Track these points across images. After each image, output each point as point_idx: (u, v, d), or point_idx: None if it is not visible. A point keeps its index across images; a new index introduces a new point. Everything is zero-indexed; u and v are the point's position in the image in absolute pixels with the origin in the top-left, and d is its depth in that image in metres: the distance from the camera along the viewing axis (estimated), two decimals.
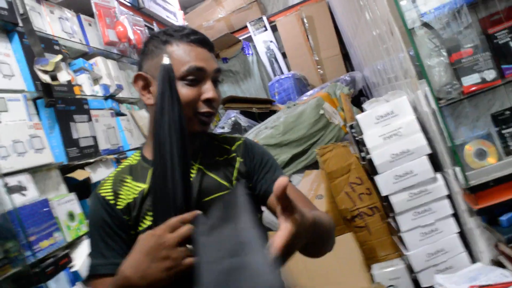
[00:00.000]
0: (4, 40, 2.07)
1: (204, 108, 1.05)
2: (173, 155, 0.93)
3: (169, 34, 1.07)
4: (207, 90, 1.05)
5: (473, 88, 1.69)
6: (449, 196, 1.98)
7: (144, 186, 1.08)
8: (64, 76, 2.03)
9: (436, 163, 2.00)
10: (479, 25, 1.78)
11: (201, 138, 1.17)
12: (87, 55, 2.73)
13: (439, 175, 1.97)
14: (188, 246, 0.85)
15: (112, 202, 1.07)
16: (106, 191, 1.09)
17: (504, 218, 1.60)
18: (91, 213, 1.10)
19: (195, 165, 1.12)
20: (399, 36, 1.93)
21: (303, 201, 1.10)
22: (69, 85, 2.28)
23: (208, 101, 1.05)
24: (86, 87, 2.51)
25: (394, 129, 2.00)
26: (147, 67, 1.10)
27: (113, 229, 1.06)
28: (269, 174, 1.16)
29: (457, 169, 1.74)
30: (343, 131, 3.12)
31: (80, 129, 2.22)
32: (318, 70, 4.62)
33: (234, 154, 1.18)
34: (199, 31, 1.11)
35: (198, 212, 0.89)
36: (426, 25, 1.80)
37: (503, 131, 1.78)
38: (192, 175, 1.08)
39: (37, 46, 2.05)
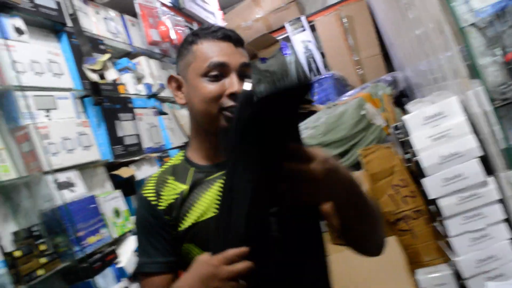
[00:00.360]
0: (54, 39, 2.12)
1: (229, 103, 1.02)
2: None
3: (195, 34, 1.08)
4: (231, 84, 1.03)
5: None
6: (501, 201, 1.91)
7: (184, 187, 1.08)
8: (111, 74, 2.07)
9: (487, 166, 1.92)
10: None
11: None
12: (130, 55, 2.77)
13: (490, 179, 1.90)
14: (240, 281, 0.85)
15: (154, 202, 1.08)
16: (149, 192, 1.10)
17: None
18: (137, 213, 1.13)
19: None
20: (449, 34, 1.87)
21: None
22: (114, 84, 2.31)
23: (233, 96, 1.03)
24: (130, 86, 2.54)
25: (443, 130, 1.94)
26: (179, 69, 1.12)
27: (156, 229, 1.07)
28: None
29: (511, 172, 1.67)
30: (385, 133, 3.05)
31: (125, 127, 2.26)
32: (358, 70, 4.55)
33: None
34: (227, 28, 1.10)
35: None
36: (479, 22, 1.73)
37: None
38: None
39: (85, 46, 2.09)
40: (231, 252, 0.85)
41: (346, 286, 2.34)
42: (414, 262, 2.47)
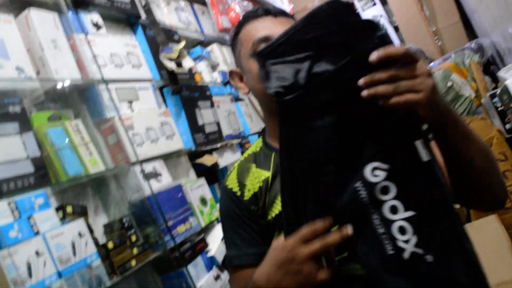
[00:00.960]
0: (129, 32, 2.13)
1: None
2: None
3: (240, 23, 1.06)
4: None
5: None
6: None
7: (268, 174, 1.01)
8: (188, 62, 2.04)
9: None
10: None
11: None
12: (203, 43, 2.75)
13: None
14: (323, 258, 0.76)
15: (238, 193, 1.03)
16: (232, 183, 1.06)
17: None
18: (221, 205, 1.08)
19: None
20: None
21: None
22: (190, 73, 2.29)
23: None
24: (205, 74, 2.52)
25: None
26: (236, 62, 1.10)
27: (243, 219, 1.02)
28: None
29: None
30: (475, 103, 2.82)
31: (205, 115, 2.23)
32: (436, 41, 4.27)
33: None
34: (271, 3, 1.04)
35: (331, 221, 0.77)
36: None
37: None
38: None
39: (160, 36, 2.08)
40: (306, 229, 0.76)
41: None
42: None
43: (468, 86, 2.86)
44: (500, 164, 2.29)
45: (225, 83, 2.66)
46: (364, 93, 0.67)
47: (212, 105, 2.33)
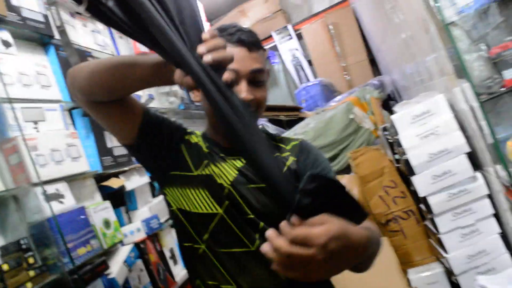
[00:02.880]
0: (41, 52, 2.12)
1: None
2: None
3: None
4: (239, 91, 1.05)
5: None
6: (490, 196, 1.92)
7: (206, 150, 1.14)
8: None
9: (475, 162, 1.95)
10: None
11: None
12: None
13: (478, 174, 1.92)
14: None
15: (187, 130, 1.19)
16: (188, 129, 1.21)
17: None
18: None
19: None
20: (435, 33, 1.90)
21: None
22: None
23: None
24: None
25: (431, 128, 1.96)
26: None
27: (167, 132, 1.12)
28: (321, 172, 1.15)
29: (498, 166, 1.69)
30: (374, 135, 3.08)
31: (114, 138, 2.25)
32: (345, 76, 4.59)
33: (288, 153, 1.19)
34: (247, 29, 1.13)
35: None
36: (463, 20, 1.76)
37: None
38: (240, 164, 1.12)
39: (73, 57, 2.10)
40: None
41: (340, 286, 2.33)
42: (406, 262, 2.48)
43: (368, 119, 3.12)
44: (390, 190, 2.52)
45: None
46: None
47: None
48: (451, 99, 2.00)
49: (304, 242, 0.67)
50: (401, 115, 2.04)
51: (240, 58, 1.07)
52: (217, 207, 1.07)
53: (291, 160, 1.16)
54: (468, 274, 1.98)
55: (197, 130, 1.25)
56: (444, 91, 2.08)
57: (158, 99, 3.02)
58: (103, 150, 2.13)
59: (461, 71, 1.66)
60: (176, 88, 3.11)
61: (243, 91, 1.06)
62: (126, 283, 1.96)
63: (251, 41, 1.09)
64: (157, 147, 1.10)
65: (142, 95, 2.73)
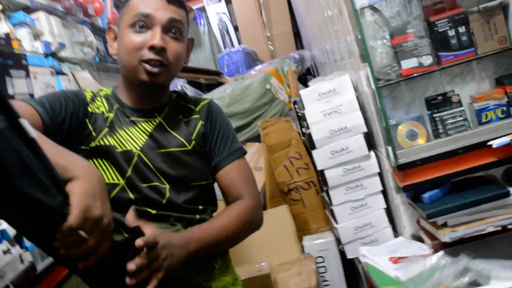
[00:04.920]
0: None
1: (148, 56, 1.06)
2: None
3: None
4: (152, 37, 1.06)
5: (411, 72, 1.78)
6: (380, 174, 2.09)
7: (110, 114, 1.13)
8: (2, 27, 1.93)
9: (371, 141, 2.09)
10: (422, 12, 1.85)
11: (170, 95, 1.23)
12: (29, 9, 2.58)
13: (372, 153, 2.07)
14: None
15: (88, 100, 1.12)
16: (88, 92, 1.16)
17: (426, 195, 1.71)
18: (63, 91, 1.14)
19: (158, 118, 1.16)
20: (347, 18, 1.99)
21: (244, 182, 1.17)
22: (7, 38, 2.16)
23: (153, 49, 1.05)
24: (25, 42, 2.38)
25: (334, 106, 2.06)
26: (117, 21, 1.15)
27: (69, 110, 1.05)
28: (225, 147, 1.19)
29: (389, 148, 1.84)
30: (288, 107, 3.18)
31: (17, 85, 2.13)
32: (269, 46, 4.65)
33: (197, 116, 1.20)
34: None
35: None
36: (373, 8, 1.85)
37: (434, 115, 1.89)
38: (151, 127, 1.13)
39: None
40: None
41: (238, 251, 2.44)
42: (303, 230, 2.64)
43: (284, 91, 3.21)
44: (295, 161, 2.64)
45: (47, 55, 2.55)
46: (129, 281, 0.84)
47: (27, 75, 2.23)
48: (356, 81, 2.12)
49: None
50: (309, 91, 2.13)
51: (158, 6, 1.08)
52: (119, 177, 1.07)
53: (200, 123, 1.19)
54: (354, 244, 2.15)
55: (109, 85, 1.22)
56: (351, 72, 2.19)
57: (71, 48, 2.88)
58: None
59: (365, 57, 1.76)
60: (92, 39, 2.98)
61: (155, 37, 1.05)
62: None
63: None
64: (67, 137, 1.04)
65: (52, 43, 2.59)
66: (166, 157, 1.11)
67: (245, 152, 1.23)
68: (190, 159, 1.14)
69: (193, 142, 1.15)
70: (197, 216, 1.12)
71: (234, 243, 1.15)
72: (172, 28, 1.09)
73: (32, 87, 2.26)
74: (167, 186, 1.09)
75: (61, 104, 1.04)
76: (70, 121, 1.04)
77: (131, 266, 0.83)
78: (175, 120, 1.18)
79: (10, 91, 2.07)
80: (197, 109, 1.22)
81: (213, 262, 1.13)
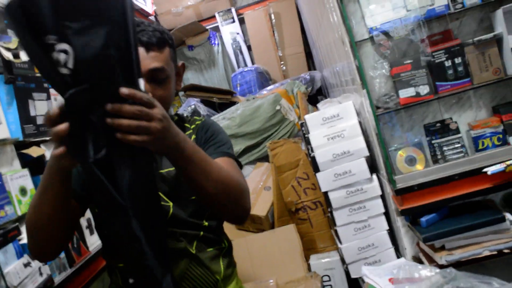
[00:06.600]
0: None
1: None
2: None
3: None
4: None
5: (408, 101, 1.86)
6: (382, 196, 2.16)
7: None
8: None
9: (373, 165, 2.17)
10: (420, 43, 1.94)
11: (171, 118, 1.25)
12: None
13: (374, 176, 2.14)
14: None
15: None
16: None
17: (423, 219, 1.78)
18: None
19: None
20: (348, 46, 2.08)
21: (232, 171, 1.17)
22: (30, 64, 2.31)
23: None
24: None
25: (338, 131, 2.15)
26: None
27: None
28: (214, 146, 1.24)
29: (387, 173, 1.91)
30: (297, 128, 3.27)
31: (38, 107, 2.27)
32: (281, 66, 4.76)
33: (190, 132, 1.28)
34: (152, 27, 1.15)
35: None
36: (372, 38, 1.95)
37: (433, 141, 1.97)
38: None
39: None
40: None
41: (246, 267, 2.53)
42: (310, 249, 2.71)
43: (293, 111, 3.31)
44: (303, 182, 2.72)
45: None
46: (110, 121, 0.84)
47: (48, 97, 2.38)
48: (360, 106, 2.20)
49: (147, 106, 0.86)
50: (313, 116, 2.23)
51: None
52: None
53: (192, 138, 1.25)
54: (357, 264, 2.22)
55: None
56: (356, 97, 2.28)
57: None
58: (26, 118, 2.15)
59: (364, 85, 1.85)
60: None
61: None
62: None
63: (150, 42, 1.12)
64: None
65: None
66: (166, 177, 1.18)
67: (236, 158, 1.26)
68: None
69: None
70: (201, 233, 1.19)
71: (218, 196, 1.07)
72: (156, 76, 1.13)
73: (52, 108, 2.40)
74: (171, 203, 1.17)
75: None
76: None
77: (124, 90, 0.83)
78: None
79: (33, 112, 2.22)
80: (192, 126, 1.30)
81: (216, 275, 1.20)
